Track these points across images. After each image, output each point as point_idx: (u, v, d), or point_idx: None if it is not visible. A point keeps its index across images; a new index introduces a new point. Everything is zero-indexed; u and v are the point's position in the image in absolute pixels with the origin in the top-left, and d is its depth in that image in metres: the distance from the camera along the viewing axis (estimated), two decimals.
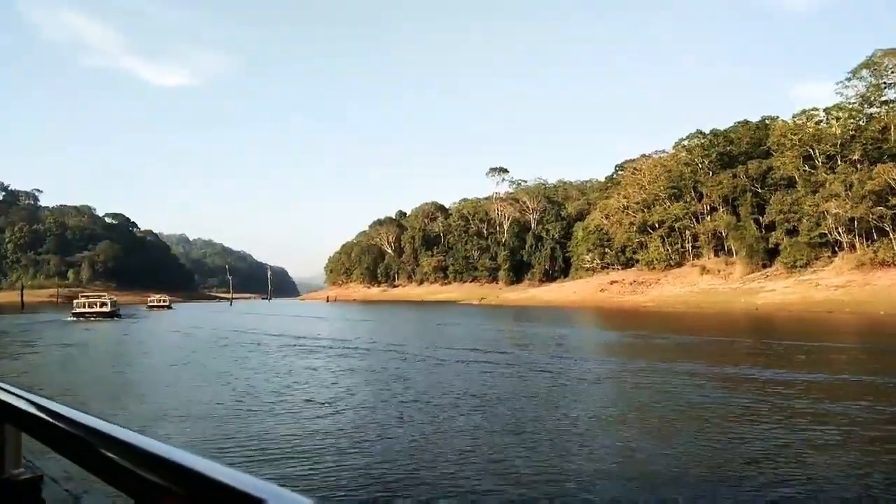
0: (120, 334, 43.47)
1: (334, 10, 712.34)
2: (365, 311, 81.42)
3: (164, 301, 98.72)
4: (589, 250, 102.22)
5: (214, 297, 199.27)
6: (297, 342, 33.19)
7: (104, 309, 61.26)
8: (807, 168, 76.12)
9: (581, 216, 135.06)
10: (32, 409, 1.69)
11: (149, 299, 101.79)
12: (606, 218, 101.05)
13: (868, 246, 66.01)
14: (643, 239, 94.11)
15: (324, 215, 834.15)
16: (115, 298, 67.92)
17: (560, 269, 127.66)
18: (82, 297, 65.32)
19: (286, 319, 60.76)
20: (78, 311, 60.02)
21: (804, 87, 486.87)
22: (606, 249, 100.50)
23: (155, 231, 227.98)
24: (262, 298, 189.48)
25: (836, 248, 71.46)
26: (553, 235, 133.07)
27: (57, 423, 1.51)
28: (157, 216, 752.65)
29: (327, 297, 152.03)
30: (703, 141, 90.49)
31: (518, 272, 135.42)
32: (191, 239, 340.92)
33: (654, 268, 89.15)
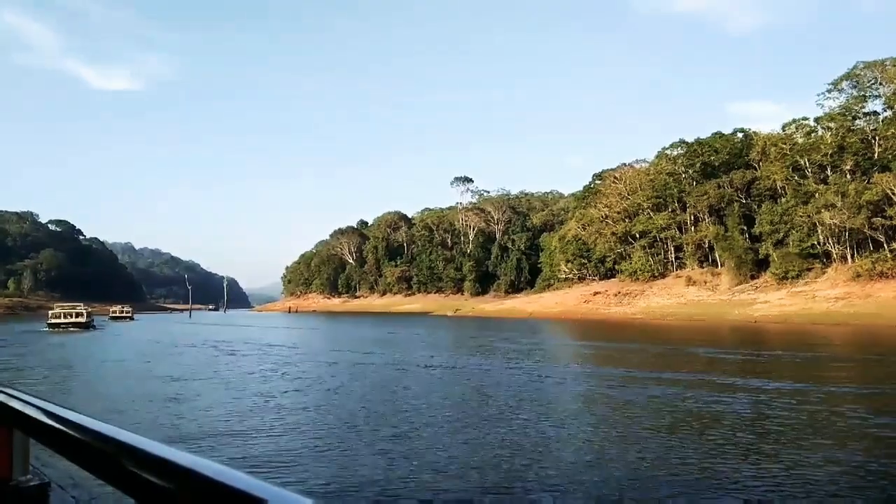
0: (129, 351, 37.59)
1: (289, 12, 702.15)
2: (347, 323, 76.90)
3: (127, 312, 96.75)
4: (568, 261, 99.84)
5: (167, 309, 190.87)
6: (362, 358, 29.31)
7: (80, 319, 60.80)
8: (796, 178, 75.43)
9: (546, 227, 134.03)
10: (39, 415, 1.69)
11: (111, 310, 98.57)
12: (584, 228, 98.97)
13: (863, 257, 65.15)
14: (624, 249, 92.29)
15: (277, 225, 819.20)
16: (89, 309, 66.06)
17: (526, 280, 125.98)
18: (57, 307, 64.46)
19: (292, 332, 57.44)
20: (53, 321, 59.61)
21: (742, 105, 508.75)
22: (584, 260, 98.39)
23: (100, 239, 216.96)
24: (211, 310, 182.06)
25: (826, 259, 70.75)
26: (519, 246, 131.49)
27: (62, 427, 1.53)
28: (102, 224, 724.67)
29: (289, 308, 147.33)
30: (686, 150, 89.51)
31: (484, 283, 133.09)
32: (137, 248, 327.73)
33: (637, 279, 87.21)
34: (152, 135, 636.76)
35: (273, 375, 23.60)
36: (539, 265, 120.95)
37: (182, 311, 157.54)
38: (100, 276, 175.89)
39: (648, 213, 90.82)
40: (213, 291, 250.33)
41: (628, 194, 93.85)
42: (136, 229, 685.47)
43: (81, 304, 67.95)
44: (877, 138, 71.59)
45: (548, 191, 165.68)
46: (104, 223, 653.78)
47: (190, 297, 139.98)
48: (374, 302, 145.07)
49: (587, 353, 32.02)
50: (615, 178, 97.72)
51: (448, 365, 26.18)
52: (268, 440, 12.47)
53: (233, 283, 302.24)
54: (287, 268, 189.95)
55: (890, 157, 67.90)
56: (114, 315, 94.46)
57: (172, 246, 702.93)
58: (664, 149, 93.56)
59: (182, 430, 13.52)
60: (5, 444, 2.02)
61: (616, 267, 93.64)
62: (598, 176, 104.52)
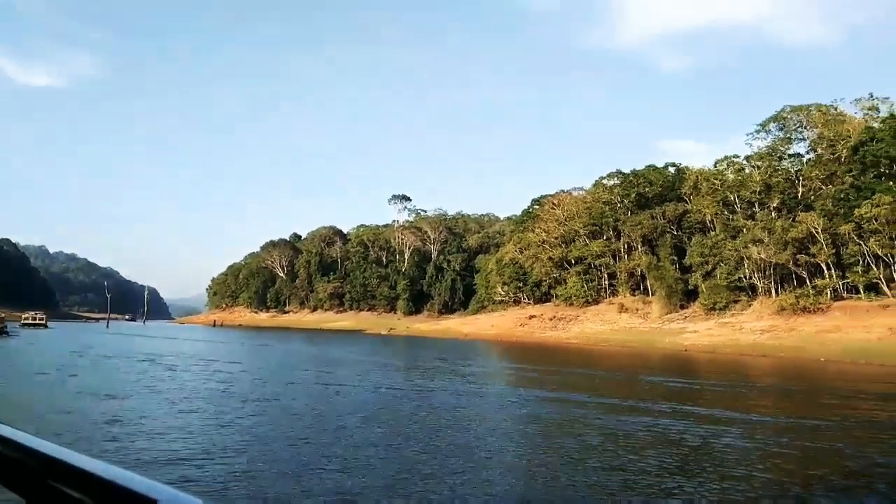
0: (50, 362, 34.14)
1: (221, 17, 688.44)
2: (278, 339, 74.84)
3: (41, 319, 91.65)
4: (505, 283, 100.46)
5: (81, 317, 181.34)
6: (317, 377, 27.75)
7: None
8: (725, 213, 78.37)
9: (482, 249, 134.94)
10: None
11: (23, 316, 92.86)
12: (521, 252, 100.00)
13: (787, 291, 67.87)
14: (560, 274, 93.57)
15: (204, 235, 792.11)
16: (2, 315, 62.58)
17: (460, 301, 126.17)
18: None
19: (219, 346, 56.28)
20: None
21: (670, 143, 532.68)
22: (520, 283, 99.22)
23: (12, 241, 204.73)
24: (128, 320, 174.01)
25: (751, 292, 73.42)
26: (454, 267, 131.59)
27: None
28: (12, 224, 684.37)
29: (214, 322, 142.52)
30: (621, 180, 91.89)
31: (417, 302, 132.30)
32: (51, 252, 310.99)
33: (571, 304, 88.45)
34: (74, 134, 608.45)
35: (219, 394, 22.38)
36: (473, 287, 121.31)
37: (98, 320, 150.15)
38: (9, 280, 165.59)
39: (584, 240, 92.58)
40: (132, 301, 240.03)
41: (565, 220, 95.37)
42: (53, 232, 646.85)
43: None
44: (801, 178, 75.22)
45: (484, 213, 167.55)
46: (17, 223, 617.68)
47: (109, 306, 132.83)
48: (305, 318, 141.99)
49: (543, 378, 31.95)
50: (553, 203, 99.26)
51: (406, 388, 25.60)
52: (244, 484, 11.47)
53: (154, 293, 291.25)
54: (213, 279, 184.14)
55: (813, 197, 71.39)
56: (26, 322, 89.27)
57: (90, 251, 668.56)
58: (601, 178, 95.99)
59: (142, 466, 12.36)
60: None
61: (551, 291, 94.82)
62: (537, 201, 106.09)
